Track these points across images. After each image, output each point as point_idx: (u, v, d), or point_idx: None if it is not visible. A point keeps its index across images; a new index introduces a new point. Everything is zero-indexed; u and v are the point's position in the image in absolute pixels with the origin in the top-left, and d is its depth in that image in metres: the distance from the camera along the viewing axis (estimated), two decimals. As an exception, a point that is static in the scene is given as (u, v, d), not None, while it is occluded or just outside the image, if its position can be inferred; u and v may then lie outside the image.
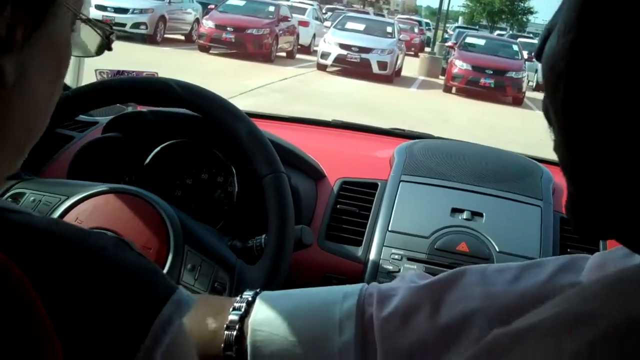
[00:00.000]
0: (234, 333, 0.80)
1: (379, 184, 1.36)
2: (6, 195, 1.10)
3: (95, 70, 1.63)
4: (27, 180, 1.13)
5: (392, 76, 15.76)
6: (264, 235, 1.11)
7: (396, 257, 1.21)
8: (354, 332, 0.76)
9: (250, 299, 0.84)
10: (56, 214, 1.07)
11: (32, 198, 1.10)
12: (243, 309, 0.82)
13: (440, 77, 17.86)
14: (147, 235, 1.04)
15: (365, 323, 0.76)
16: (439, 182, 1.34)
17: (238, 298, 0.85)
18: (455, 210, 1.29)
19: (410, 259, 1.21)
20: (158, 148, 1.32)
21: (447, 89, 15.82)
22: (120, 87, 1.16)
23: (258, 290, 0.87)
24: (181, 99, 1.12)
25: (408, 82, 16.53)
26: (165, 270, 1.02)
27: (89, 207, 1.07)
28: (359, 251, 1.26)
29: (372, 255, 1.23)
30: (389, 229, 1.26)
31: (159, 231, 1.05)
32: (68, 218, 1.06)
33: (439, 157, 1.42)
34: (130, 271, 0.47)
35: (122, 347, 0.44)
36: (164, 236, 1.04)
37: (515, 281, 0.71)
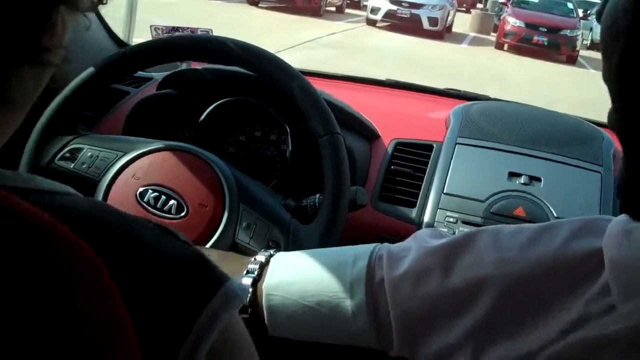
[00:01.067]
0: (248, 297, 0.81)
1: (434, 145, 1.34)
2: (64, 150, 1.11)
3: (150, 27, 1.63)
4: (84, 135, 1.14)
5: (442, 32, 15.50)
6: (318, 195, 1.10)
7: (451, 220, 1.20)
8: (364, 294, 0.76)
9: (263, 261, 0.85)
10: (113, 170, 1.08)
11: (89, 154, 1.11)
12: (256, 272, 0.83)
13: (492, 34, 17.48)
14: (203, 193, 1.04)
15: (375, 286, 0.76)
16: (496, 145, 1.32)
17: (252, 259, 0.86)
18: (513, 175, 1.26)
19: (465, 222, 1.20)
20: (212, 106, 1.32)
21: (498, 46, 15.52)
22: (180, 46, 1.15)
23: (272, 252, 0.87)
24: (238, 58, 1.11)
25: (459, 38, 16.24)
26: (220, 229, 1.02)
27: (146, 164, 1.08)
28: (413, 213, 1.25)
29: (426, 217, 1.22)
30: (444, 191, 1.24)
31: (214, 189, 1.05)
32: (125, 175, 1.07)
33: (496, 119, 1.39)
34: (174, 262, 0.45)
35: (164, 346, 0.41)
36: (219, 194, 1.05)
37: (529, 246, 0.67)
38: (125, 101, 1.43)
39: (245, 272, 0.83)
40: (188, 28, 1.68)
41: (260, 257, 0.86)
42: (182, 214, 1.03)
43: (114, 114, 1.41)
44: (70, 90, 1.12)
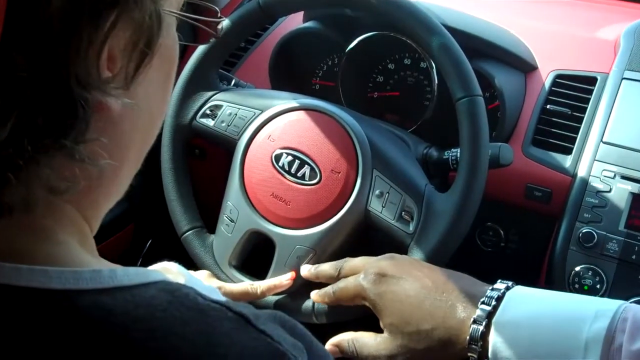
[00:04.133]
0: (481, 328, 0.79)
1: (599, 78, 1.20)
2: (205, 107, 1.13)
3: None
4: (224, 91, 1.15)
5: None
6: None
7: (608, 174, 1.09)
8: (598, 358, 0.71)
9: (499, 294, 0.82)
10: (251, 130, 1.09)
11: (228, 111, 1.12)
12: (492, 305, 0.80)
13: None
14: (336, 158, 1.03)
15: (612, 352, 0.70)
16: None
17: (489, 288, 0.83)
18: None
19: (624, 177, 1.08)
20: (362, 36, 1.26)
21: None
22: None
23: (510, 284, 0.84)
24: (371, 5, 1.04)
25: None
26: (353, 197, 1.01)
27: (281, 125, 1.07)
28: (567, 161, 1.15)
29: (581, 169, 1.12)
30: (603, 139, 1.12)
31: (348, 154, 1.03)
32: (261, 135, 1.08)
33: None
34: (246, 358, 0.44)
35: None
36: (353, 160, 1.02)
37: None
38: (266, 36, 1.41)
39: (480, 301, 0.82)
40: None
41: (498, 287, 0.84)
42: (315, 180, 1.03)
43: (256, 52, 1.40)
44: (208, 46, 1.12)
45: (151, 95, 0.52)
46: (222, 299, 0.48)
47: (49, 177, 0.43)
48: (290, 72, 1.36)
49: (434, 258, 0.95)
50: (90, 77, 0.42)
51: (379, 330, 0.89)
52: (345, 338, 0.92)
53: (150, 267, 0.70)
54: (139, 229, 1.50)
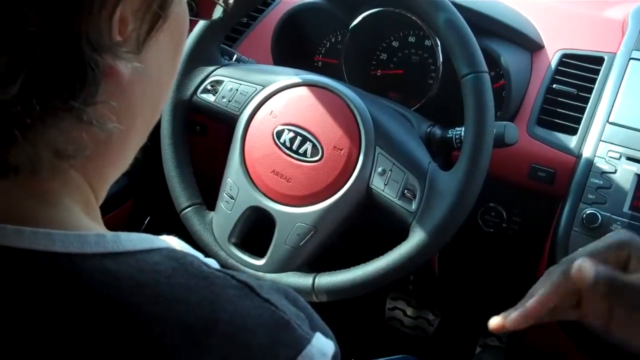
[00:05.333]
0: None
1: (606, 58, 1.18)
2: (206, 83, 1.11)
3: None
4: (226, 66, 1.13)
5: None
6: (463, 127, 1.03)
7: (614, 155, 1.08)
8: None
9: None
10: (252, 106, 1.07)
11: (229, 87, 1.10)
12: None
13: None
14: (338, 135, 1.01)
15: None
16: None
17: None
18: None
19: (629, 159, 1.07)
20: (366, 13, 1.23)
21: None
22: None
23: None
24: None
25: None
26: (355, 174, 1.00)
27: (283, 102, 1.06)
28: (572, 142, 1.14)
29: (586, 150, 1.10)
30: (609, 120, 1.11)
31: (351, 131, 1.01)
32: (263, 111, 1.06)
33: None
34: (250, 325, 0.44)
35: None
36: (356, 137, 1.01)
37: None
38: (269, 12, 1.38)
39: None
40: None
41: None
42: (317, 157, 1.02)
43: (259, 27, 1.38)
44: (210, 20, 1.10)
45: (162, 64, 0.51)
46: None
47: (56, 139, 0.43)
48: (293, 48, 1.34)
49: (436, 237, 0.94)
50: (102, 39, 0.42)
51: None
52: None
53: None
54: (138, 205, 1.49)
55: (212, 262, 0.60)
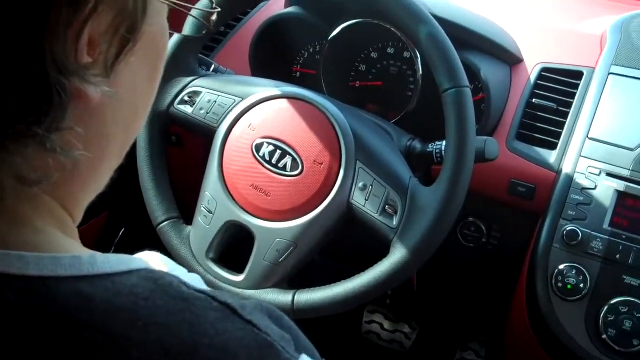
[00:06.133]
0: None
1: (585, 72, 1.19)
2: (184, 94, 1.09)
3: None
4: (204, 77, 1.11)
5: None
6: (445, 141, 1.02)
7: (594, 171, 1.08)
8: None
9: None
10: (231, 118, 1.05)
11: (207, 98, 1.08)
12: None
13: None
14: (318, 149, 1.00)
15: None
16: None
17: None
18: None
19: (609, 175, 1.07)
20: (345, 24, 1.22)
21: None
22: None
23: None
24: None
25: None
26: (335, 189, 0.98)
27: (262, 114, 1.04)
28: (552, 157, 1.13)
29: (565, 165, 1.10)
30: (589, 135, 1.11)
31: (331, 145, 1.00)
32: (242, 124, 1.05)
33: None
34: (232, 349, 0.42)
35: None
36: (336, 151, 1.00)
37: None
38: (247, 20, 1.37)
39: None
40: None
41: None
42: (297, 171, 1.00)
43: (237, 36, 1.36)
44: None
45: (136, 87, 0.49)
46: (207, 288, 0.46)
47: (19, 166, 0.41)
48: (271, 58, 1.32)
49: (417, 255, 0.93)
50: (69, 61, 0.40)
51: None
52: None
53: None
54: (113, 217, 1.46)
55: (196, 278, 0.58)
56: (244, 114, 1.05)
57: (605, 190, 1.06)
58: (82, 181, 0.48)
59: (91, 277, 0.42)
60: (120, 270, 0.43)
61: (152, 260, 0.74)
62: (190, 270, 1.04)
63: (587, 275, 1.02)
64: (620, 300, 1.00)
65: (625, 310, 1.00)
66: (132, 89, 0.48)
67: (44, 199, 0.45)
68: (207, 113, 1.07)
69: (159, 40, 0.49)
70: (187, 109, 1.09)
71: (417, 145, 1.07)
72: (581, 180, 1.08)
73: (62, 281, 0.41)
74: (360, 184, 0.98)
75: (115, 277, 0.43)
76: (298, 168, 1.00)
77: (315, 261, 1.03)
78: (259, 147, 1.02)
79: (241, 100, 1.06)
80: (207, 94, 1.09)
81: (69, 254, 0.43)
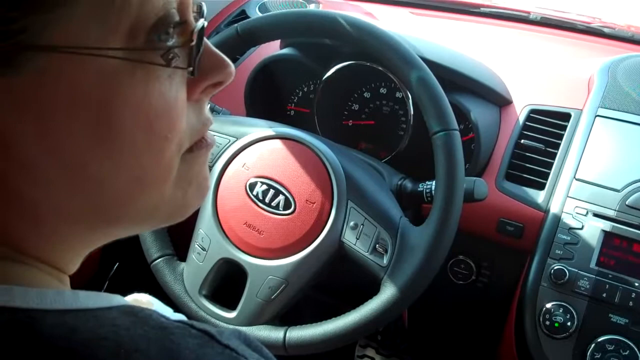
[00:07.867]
0: None
1: (572, 114, 1.21)
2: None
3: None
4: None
5: None
6: (434, 182, 1.04)
7: (580, 211, 1.10)
8: None
9: None
10: (225, 158, 1.07)
11: (203, 137, 1.10)
12: None
13: None
14: (311, 188, 1.02)
15: None
16: (641, 121, 1.16)
17: None
18: (659, 159, 1.12)
19: (596, 215, 1.09)
20: (339, 65, 1.25)
21: None
22: (290, 23, 1.08)
23: None
24: (351, 37, 1.04)
25: None
26: (327, 228, 1.00)
27: (256, 154, 1.06)
28: (540, 197, 1.16)
29: (553, 205, 1.12)
30: (576, 176, 1.13)
31: (323, 185, 1.02)
32: (236, 163, 1.07)
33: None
34: None
35: None
36: (328, 190, 1.02)
37: None
38: (243, 61, 1.40)
39: None
40: None
41: None
42: (290, 210, 1.02)
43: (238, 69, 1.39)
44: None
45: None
46: (185, 319, 0.48)
47: None
48: (266, 97, 1.35)
49: (407, 293, 0.95)
50: None
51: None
52: None
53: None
54: (107, 251, 1.48)
55: (180, 317, 0.59)
56: (238, 154, 1.08)
57: (592, 230, 1.08)
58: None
59: (75, 311, 0.43)
60: (102, 306, 0.45)
61: (140, 300, 0.75)
62: (182, 306, 1.05)
63: (574, 313, 1.04)
64: (607, 339, 1.02)
65: (612, 348, 1.02)
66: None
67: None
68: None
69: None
70: (183, 148, 1.11)
71: (408, 184, 1.10)
72: (568, 220, 1.10)
73: (48, 313, 0.42)
74: (352, 223, 1.00)
75: (97, 312, 0.44)
76: (291, 207, 1.02)
77: (307, 295, 1.05)
78: (252, 186, 1.05)
79: (235, 140, 1.09)
80: (202, 134, 1.11)
81: (53, 289, 0.44)
